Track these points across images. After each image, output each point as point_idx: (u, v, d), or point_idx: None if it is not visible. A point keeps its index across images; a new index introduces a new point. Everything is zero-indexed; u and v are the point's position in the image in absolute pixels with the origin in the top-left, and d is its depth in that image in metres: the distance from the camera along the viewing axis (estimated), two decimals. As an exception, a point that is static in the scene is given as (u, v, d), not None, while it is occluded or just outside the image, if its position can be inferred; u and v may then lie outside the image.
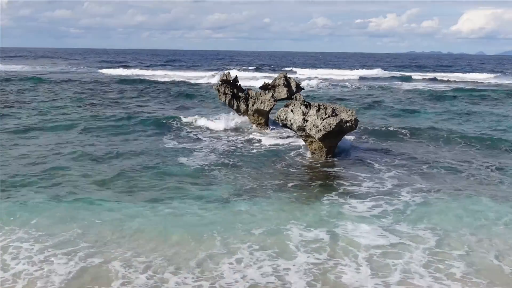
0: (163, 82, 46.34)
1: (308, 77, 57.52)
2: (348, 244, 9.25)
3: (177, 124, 22.09)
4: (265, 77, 49.37)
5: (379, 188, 13.00)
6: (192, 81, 48.29)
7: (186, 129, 21.07)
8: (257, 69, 75.28)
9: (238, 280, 7.89)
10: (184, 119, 22.80)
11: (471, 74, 72.49)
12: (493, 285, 7.91)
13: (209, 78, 52.14)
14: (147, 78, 51.53)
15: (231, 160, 15.84)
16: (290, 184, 13.21)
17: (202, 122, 22.26)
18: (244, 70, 69.53)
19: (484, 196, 12.32)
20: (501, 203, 11.73)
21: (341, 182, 13.56)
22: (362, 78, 61.11)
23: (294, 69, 77.32)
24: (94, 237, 9.41)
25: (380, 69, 79.19)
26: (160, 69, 72.75)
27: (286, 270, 8.27)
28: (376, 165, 15.32)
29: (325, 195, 12.24)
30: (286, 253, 8.90)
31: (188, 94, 35.61)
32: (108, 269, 8.16)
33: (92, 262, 8.41)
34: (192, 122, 22.45)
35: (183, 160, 15.63)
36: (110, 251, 8.82)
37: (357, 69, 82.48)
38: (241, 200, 11.72)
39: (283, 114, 16.27)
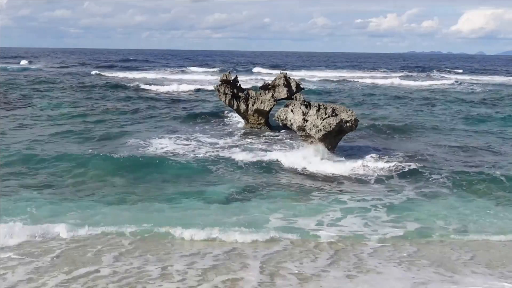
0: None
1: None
2: (319, 242, 9.36)
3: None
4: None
5: (376, 186, 13.11)
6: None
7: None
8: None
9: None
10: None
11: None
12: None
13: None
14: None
15: (228, 159, 15.87)
16: (286, 183, 13.40)
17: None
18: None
19: (483, 197, 12.35)
20: (498, 206, 11.74)
21: (339, 182, 13.60)
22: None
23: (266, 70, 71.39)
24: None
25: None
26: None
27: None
28: (376, 164, 15.30)
29: (320, 194, 12.41)
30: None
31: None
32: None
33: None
34: None
35: (181, 160, 15.69)
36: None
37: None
38: (233, 199, 11.87)
39: (283, 114, 16.29)
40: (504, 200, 12.20)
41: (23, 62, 79.32)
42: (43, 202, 11.06)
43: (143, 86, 40.38)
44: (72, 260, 8.33)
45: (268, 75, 56.22)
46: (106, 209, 10.87)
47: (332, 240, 9.45)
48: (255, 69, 72.53)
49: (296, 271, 8.10)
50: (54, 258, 8.38)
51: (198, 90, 39.35)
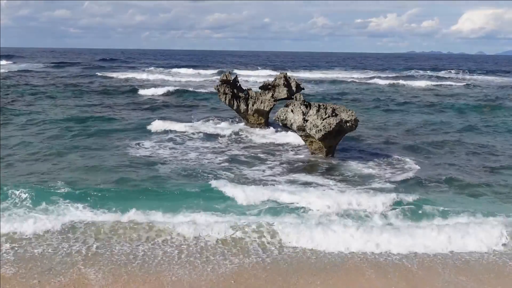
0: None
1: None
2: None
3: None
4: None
5: (372, 187, 13.05)
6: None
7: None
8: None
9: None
10: None
11: None
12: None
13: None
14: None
15: (231, 159, 15.95)
16: (284, 183, 13.32)
17: None
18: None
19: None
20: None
21: (336, 182, 13.52)
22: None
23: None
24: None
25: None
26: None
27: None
28: (375, 165, 15.37)
29: (315, 194, 12.18)
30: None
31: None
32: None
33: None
34: None
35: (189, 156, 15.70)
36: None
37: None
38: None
39: (283, 114, 16.30)
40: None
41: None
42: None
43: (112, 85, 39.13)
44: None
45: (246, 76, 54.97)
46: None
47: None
48: (240, 71, 66.46)
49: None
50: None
51: (174, 92, 36.33)
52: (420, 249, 9.26)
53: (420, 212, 11.02)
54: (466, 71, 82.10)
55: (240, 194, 11.57)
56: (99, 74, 55.75)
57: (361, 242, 9.37)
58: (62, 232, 9.53)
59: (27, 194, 11.05)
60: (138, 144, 17.91)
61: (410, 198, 11.62)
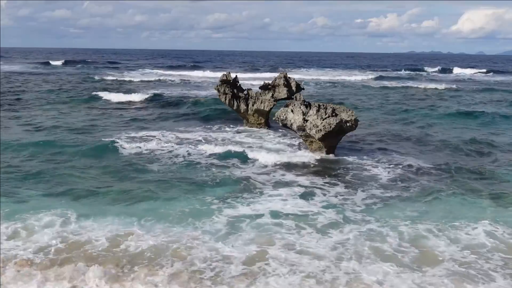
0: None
1: None
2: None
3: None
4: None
5: (370, 188, 12.98)
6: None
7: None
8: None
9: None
10: None
11: None
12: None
13: None
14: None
15: (230, 159, 15.89)
16: (284, 183, 13.28)
17: None
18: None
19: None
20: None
21: (335, 183, 13.41)
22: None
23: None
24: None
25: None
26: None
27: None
28: (374, 165, 15.30)
29: (314, 194, 12.30)
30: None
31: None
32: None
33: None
34: None
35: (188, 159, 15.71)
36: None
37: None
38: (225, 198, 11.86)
39: (283, 114, 16.25)
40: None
41: None
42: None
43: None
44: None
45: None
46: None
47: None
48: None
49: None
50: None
51: (167, 94, 34.13)
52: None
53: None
54: (479, 72, 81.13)
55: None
56: (90, 76, 53.48)
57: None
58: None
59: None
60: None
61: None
